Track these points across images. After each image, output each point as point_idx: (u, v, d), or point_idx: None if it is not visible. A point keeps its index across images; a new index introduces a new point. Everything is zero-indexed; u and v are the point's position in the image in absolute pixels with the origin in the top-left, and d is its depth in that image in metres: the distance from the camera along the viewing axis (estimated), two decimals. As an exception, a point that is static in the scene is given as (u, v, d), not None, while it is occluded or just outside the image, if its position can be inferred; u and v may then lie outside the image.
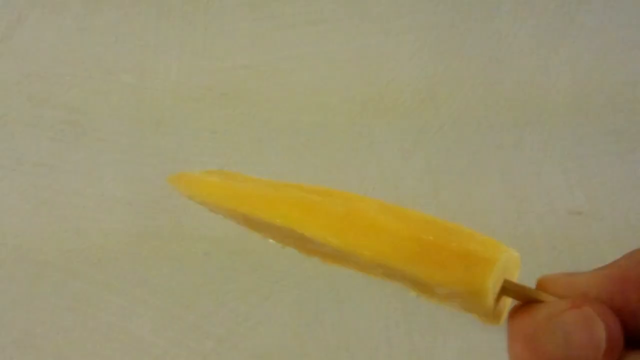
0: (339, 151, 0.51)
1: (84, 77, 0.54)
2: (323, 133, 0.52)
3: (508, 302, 0.30)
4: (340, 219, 0.31)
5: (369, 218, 0.30)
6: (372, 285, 0.46)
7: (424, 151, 0.50)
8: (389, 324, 0.46)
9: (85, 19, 0.55)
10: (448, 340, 0.45)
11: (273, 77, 0.54)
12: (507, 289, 0.28)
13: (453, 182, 0.49)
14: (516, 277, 0.29)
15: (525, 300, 0.27)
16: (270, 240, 0.35)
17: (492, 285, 0.27)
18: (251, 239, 0.45)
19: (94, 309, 0.47)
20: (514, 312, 0.27)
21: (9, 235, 0.49)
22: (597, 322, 0.24)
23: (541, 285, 0.27)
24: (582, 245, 0.47)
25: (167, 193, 0.50)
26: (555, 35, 0.54)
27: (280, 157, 0.51)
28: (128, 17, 0.56)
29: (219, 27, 0.56)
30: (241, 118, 0.52)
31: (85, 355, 0.46)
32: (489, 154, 0.50)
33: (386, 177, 0.50)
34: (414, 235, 0.29)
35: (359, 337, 0.46)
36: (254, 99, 0.53)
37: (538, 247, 0.47)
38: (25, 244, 0.48)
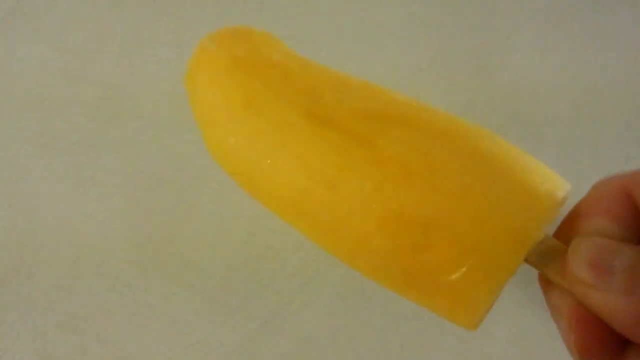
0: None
1: (119, 52, 0.52)
2: (367, 106, 0.50)
3: None
4: (328, 230, 0.30)
5: (360, 234, 0.29)
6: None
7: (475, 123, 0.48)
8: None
9: (119, -9, 0.54)
10: (501, 320, 0.43)
11: (315, 48, 0.52)
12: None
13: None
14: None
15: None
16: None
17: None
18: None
19: (135, 291, 0.46)
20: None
21: (48, 217, 0.48)
22: None
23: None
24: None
25: (209, 170, 0.48)
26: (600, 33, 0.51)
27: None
28: (163, -12, 0.54)
29: (258, -4, 0.54)
30: (282, 92, 0.50)
31: (126, 337, 0.45)
32: (542, 125, 0.47)
33: (435, 151, 0.47)
34: (401, 260, 0.28)
35: (408, 318, 0.44)
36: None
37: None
38: (65, 225, 0.47)
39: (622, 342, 0.25)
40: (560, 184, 0.29)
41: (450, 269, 0.27)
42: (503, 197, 0.28)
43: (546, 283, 0.28)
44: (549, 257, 0.27)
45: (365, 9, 0.52)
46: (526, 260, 0.28)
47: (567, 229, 0.28)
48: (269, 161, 0.31)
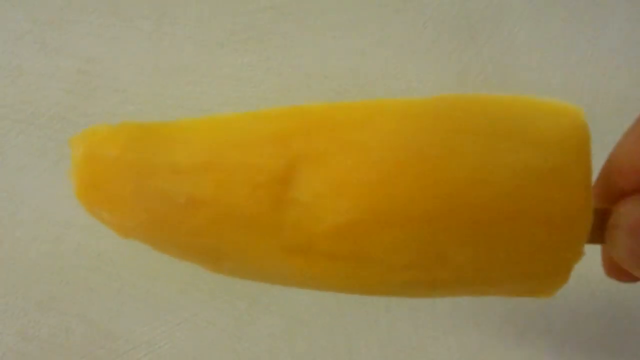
0: (373, 97, 0.48)
1: (98, 24, 0.50)
2: (356, 78, 0.48)
3: None
4: None
5: None
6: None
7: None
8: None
9: (98, -40, 0.52)
10: (493, 299, 0.43)
11: (301, 19, 0.50)
12: None
13: (498, 128, 0.46)
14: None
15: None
16: None
17: None
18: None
19: (118, 269, 0.45)
20: None
21: (27, 194, 0.46)
22: None
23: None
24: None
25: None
26: None
27: (310, 105, 0.48)
28: (143, -43, 0.52)
29: (242, -35, 0.52)
30: (267, 64, 0.49)
31: (110, 317, 0.44)
32: (535, 94, 0.46)
33: (425, 124, 0.46)
34: None
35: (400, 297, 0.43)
36: (281, 43, 0.50)
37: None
38: (45, 202, 0.46)
39: None
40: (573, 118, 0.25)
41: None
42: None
43: None
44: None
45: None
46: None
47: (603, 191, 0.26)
48: None
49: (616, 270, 0.27)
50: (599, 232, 0.25)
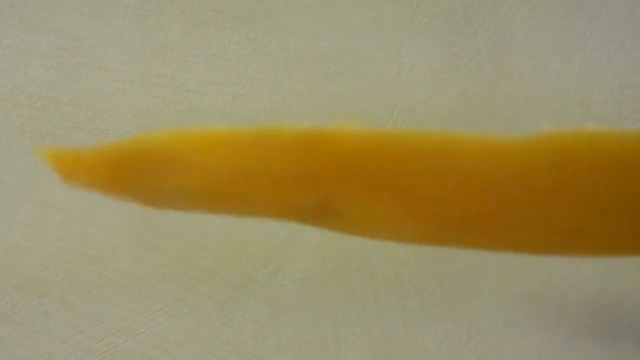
0: (364, 79, 0.47)
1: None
2: (347, 59, 0.47)
3: None
4: None
5: None
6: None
7: (459, 79, 0.46)
8: (419, 269, 0.42)
9: None
10: (482, 289, 0.42)
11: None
12: None
13: (491, 112, 0.45)
14: None
15: None
16: None
17: None
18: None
19: (101, 253, 0.44)
20: None
21: (5, 174, 0.45)
22: None
23: None
24: None
25: (176, 126, 0.46)
26: None
27: (299, 87, 0.47)
28: None
29: (230, -59, 0.51)
30: (255, 43, 0.48)
31: (91, 301, 0.43)
32: (530, 80, 0.46)
33: (417, 108, 0.46)
34: None
35: (387, 284, 0.42)
36: (269, 22, 0.48)
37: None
38: (23, 183, 0.45)
39: None
40: None
41: None
42: None
43: None
44: None
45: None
46: None
47: None
48: None
49: None
50: None
